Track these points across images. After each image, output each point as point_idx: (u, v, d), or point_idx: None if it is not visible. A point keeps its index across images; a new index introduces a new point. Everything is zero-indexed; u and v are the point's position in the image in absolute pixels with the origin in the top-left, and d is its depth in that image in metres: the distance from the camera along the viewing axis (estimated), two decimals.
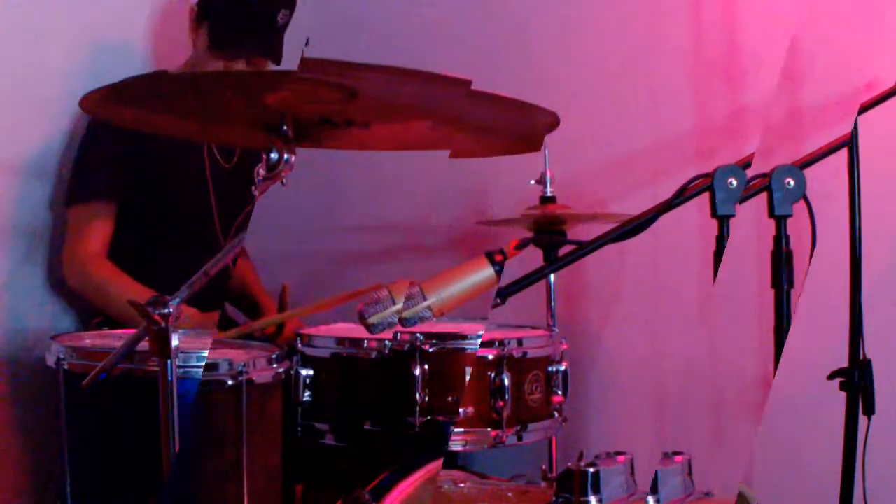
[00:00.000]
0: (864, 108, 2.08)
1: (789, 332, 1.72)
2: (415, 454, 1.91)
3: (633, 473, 1.70)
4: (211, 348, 1.87)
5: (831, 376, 2.07)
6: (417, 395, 1.96)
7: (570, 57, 2.85)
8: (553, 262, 1.91)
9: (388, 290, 1.61)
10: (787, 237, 1.73)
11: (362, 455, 2.08)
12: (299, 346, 2.06)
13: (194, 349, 1.72)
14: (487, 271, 1.66)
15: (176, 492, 1.57)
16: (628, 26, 2.79)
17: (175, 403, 1.45)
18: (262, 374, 1.75)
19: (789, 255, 1.72)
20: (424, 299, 1.62)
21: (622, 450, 1.71)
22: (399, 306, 1.60)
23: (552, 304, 2.44)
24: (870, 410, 2.03)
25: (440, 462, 1.92)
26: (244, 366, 1.69)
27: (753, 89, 2.58)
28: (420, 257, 3.13)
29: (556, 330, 2.33)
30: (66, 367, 1.72)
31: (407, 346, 1.98)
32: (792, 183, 1.72)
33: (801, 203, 1.89)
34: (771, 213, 1.72)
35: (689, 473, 1.70)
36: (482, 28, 2.97)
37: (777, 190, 1.71)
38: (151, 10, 2.77)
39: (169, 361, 1.45)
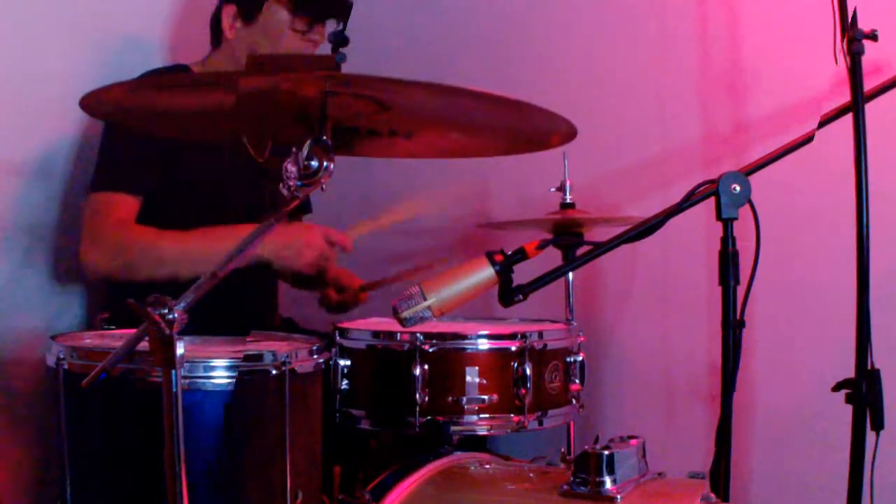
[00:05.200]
0: (869, 97, 2.05)
1: (738, 326, 1.77)
2: (415, 453, 1.97)
3: (644, 455, 1.79)
4: (256, 341, 1.99)
5: (836, 387, 2.01)
6: (417, 395, 2.04)
7: (588, 75, 2.95)
8: (571, 262, 1.99)
9: (419, 287, 1.71)
10: (734, 238, 1.78)
11: (394, 439, 2.25)
12: (338, 338, 2.15)
13: (200, 358, 1.70)
14: (487, 271, 1.73)
15: (226, 470, 1.66)
16: (640, 47, 2.89)
17: (180, 415, 1.41)
18: (304, 364, 1.79)
19: (735, 254, 1.78)
20: (424, 299, 1.70)
21: (634, 434, 1.79)
22: (430, 302, 1.69)
23: (570, 300, 2.53)
24: (878, 425, 1.97)
25: (441, 462, 1.94)
26: (287, 356, 1.73)
27: (755, 103, 2.67)
28: (424, 259, 3.10)
29: (574, 324, 2.40)
30: (66, 367, 1.69)
31: (407, 346, 2.06)
32: (738, 188, 1.78)
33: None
34: (718, 217, 1.78)
35: (644, 455, 1.78)
36: (507, 51, 3.10)
37: (724, 195, 1.78)
38: (158, 8, 2.76)
39: (174, 372, 1.39)
